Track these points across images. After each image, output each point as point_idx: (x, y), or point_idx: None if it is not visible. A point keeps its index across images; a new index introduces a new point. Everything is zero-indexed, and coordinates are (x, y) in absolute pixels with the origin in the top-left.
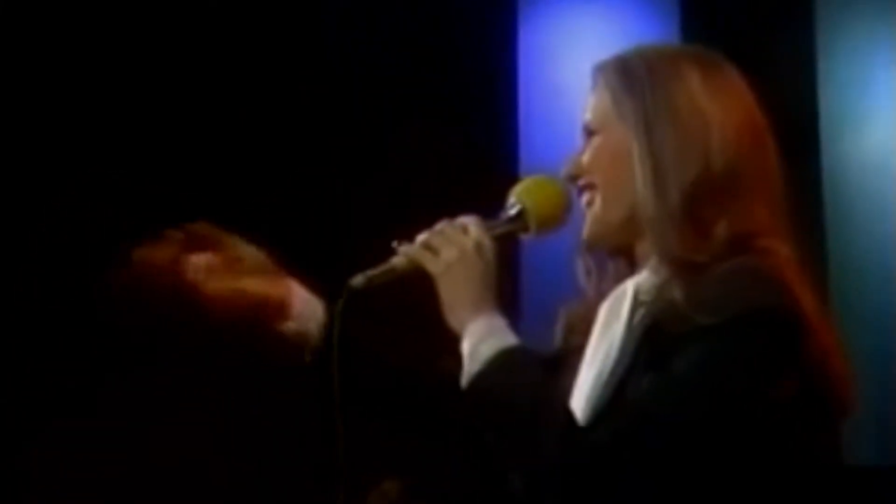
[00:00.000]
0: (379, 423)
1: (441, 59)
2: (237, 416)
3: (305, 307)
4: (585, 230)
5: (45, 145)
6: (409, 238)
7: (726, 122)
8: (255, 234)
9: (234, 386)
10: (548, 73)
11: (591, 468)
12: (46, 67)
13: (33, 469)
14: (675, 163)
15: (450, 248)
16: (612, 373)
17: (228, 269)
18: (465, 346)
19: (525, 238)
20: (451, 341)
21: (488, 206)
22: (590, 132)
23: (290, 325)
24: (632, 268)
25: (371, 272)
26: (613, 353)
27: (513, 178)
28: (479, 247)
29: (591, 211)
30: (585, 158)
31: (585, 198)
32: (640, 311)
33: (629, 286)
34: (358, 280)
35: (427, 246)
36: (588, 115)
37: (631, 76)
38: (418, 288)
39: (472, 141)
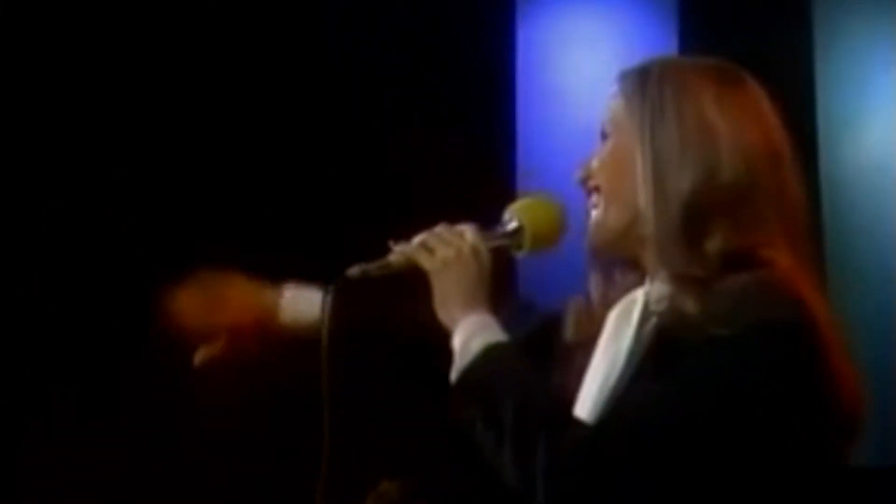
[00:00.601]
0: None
1: (439, 60)
2: (237, 416)
3: (298, 300)
4: (589, 235)
5: (45, 145)
6: (407, 239)
7: (737, 139)
8: (254, 233)
9: (235, 386)
10: (546, 75)
11: (581, 466)
12: (46, 67)
13: (33, 469)
14: (676, 170)
15: (446, 248)
16: (619, 380)
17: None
18: (456, 342)
19: (517, 255)
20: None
21: (486, 208)
22: (603, 136)
23: (285, 318)
24: (640, 277)
25: (367, 265)
26: (621, 360)
27: (510, 180)
28: (474, 250)
29: (595, 214)
30: (594, 161)
31: (591, 200)
32: (651, 321)
33: (640, 295)
34: (353, 271)
35: (423, 245)
36: (604, 118)
37: (645, 84)
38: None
39: (470, 142)
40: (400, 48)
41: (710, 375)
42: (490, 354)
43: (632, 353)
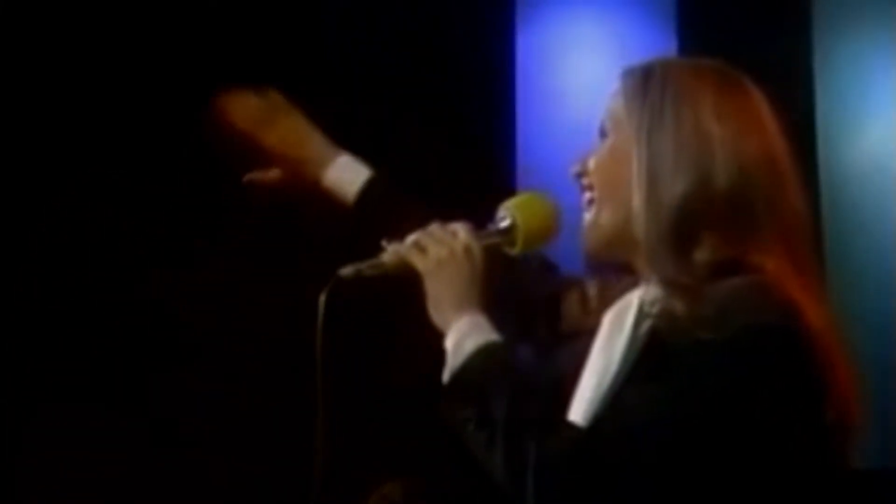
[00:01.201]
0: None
1: (439, 61)
2: (238, 417)
3: (345, 170)
4: (583, 235)
5: (45, 145)
6: (400, 238)
7: (734, 146)
8: (255, 233)
9: (235, 388)
10: (545, 76)
11: (570, 468)
12: (46, 67)
13: (33, 470)
14: (670, 176)
15: (439, 247)
16: (612, 383)
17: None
18: (449, 343)
19: (510, 252)
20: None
21: (485, 209)
22: (602, 134)
23: (328, 178)
24: (636, 280)
25: (360, 265)
26: (615, 363)
27: (510, 180)
28: (467, 249)
29: (589, 214)
30: (592, 160)
31: (586, 197)
32: (645, 324)
33: (635, 297)
34: (347, 270)
35: (416, 245)
36: (604, 116)
37: (646, 86)
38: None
39: (470, 143)
40: (400, 49)
41: (698, 379)
42: (482, 355)
43: (626, 356)
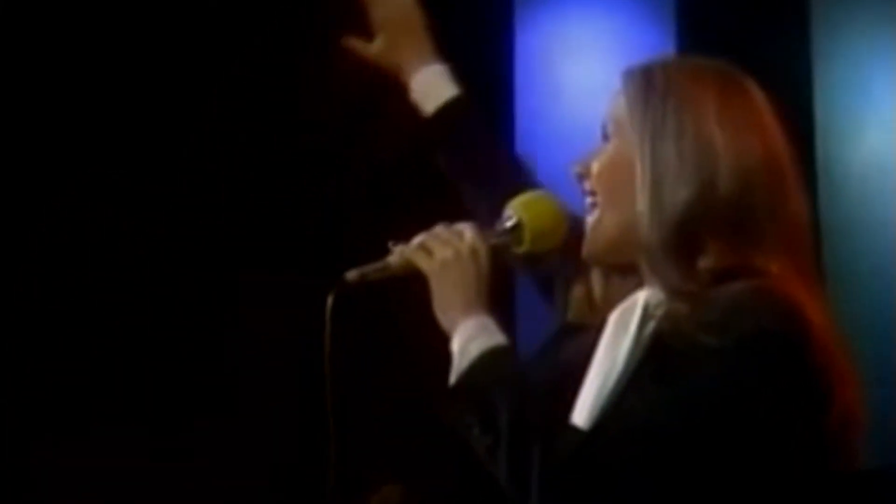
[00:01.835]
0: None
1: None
2: (240, 420)
3: (434, 79)
4: (586, 240)
5: (44, 145)
6: (406, 239)
7: (737, 154)
8: (254, 233)
9: (236, 390)
10: (544, 76)
11: (574, 473)
12: (46, 68)
13: (38, 473)
14: (673, 184)
15: (444, 249)
16: (616, 385)
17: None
18: (455, 346)
19: (517, 252)
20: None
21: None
22: (604, 137)
23: (416, 80)
24: (640, 280)
25: (365, 268)
26: (619, 364)
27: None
28: (473, 251)
29: (591, 220)
30: (595, 164)
31: (588, 201)
32: (650, 325)
33: (640, 298)
34: (352, 274)
35: (422, 246)
36: (606, 118)
37: (648, 88)
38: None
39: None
40: None
41: (701, 385)
42: (488, 359)
43: (629, 358)
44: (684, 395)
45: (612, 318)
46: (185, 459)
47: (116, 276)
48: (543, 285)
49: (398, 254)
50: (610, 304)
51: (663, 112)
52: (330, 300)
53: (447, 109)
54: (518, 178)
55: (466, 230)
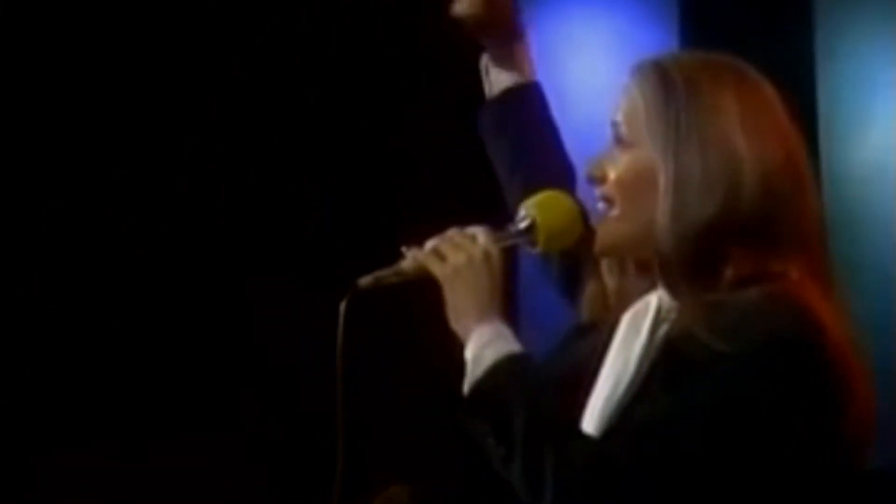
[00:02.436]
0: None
1: (447, 62)
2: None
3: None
4: (597, 240)
5: (44, 145)
6: (416, 241)
7: (761, 162)
8: (256, 233)
9: (237, 393)
10: (547, 76)
11: (589, 484)
12: (46, 68)
13: (36, 475)
14: (697, 194)
15: (458, 254)
16: (628, 389)
17: None
18: (469, 353)
19: (532, 252)
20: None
21: (492, 210)
22: (619, 139)
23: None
24: (654, 281)
25: (379, 273)
26: (630, 368)
27: None
28: (486, 255)
29: (605, 222)
30: (611, 170)
31: (600, 206)
32: (663, 328)
33: (653, 300)
34: (366, 280)
35: (435, 251)
36: (619, 119)
37: (668, 92)
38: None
39: (476, 146)
40: (409, 48)
41: (716, 393)
42: (502, 367)
43: (641, 362)
44: (698, 401)
45: (625, 320)
46: (186, 462)
47: (117, 277)
48: (564, 282)
49: (411, 259)
50: (624, 303)
51: (686, 117)
52: (343, 306)
53: (516, 90)
54: (564, 170)
55: (479, 234)
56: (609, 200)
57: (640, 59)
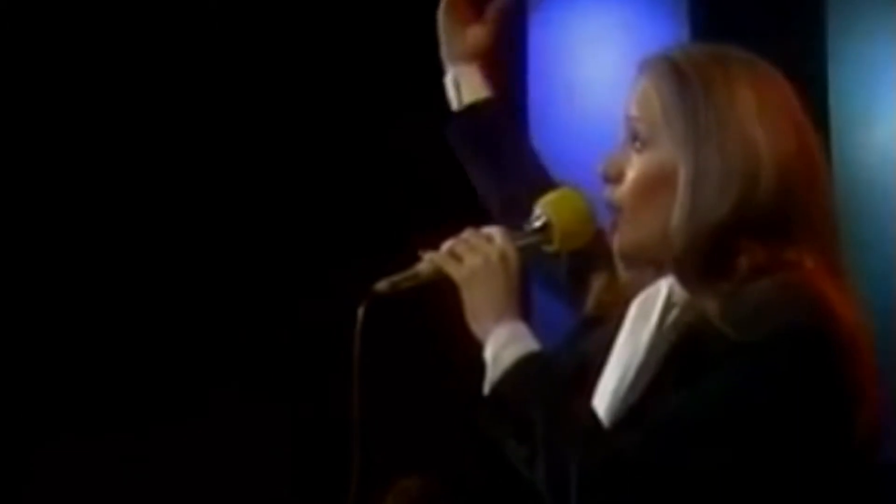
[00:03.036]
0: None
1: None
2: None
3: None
4: (617, 247)
5: (44, 145)
6: (434, 245)
7: (779, 153)
8: (257, 234)
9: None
10: (557, 70)
11: (611, 476)
12: (46, 68)
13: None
14: (716, 193)
15: (474, 256)
16: (637, 376)
17: None
18: (488, 354)
19: (548, 251)
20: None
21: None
22: (634, 135)
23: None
24: (663, 270)
25: (395, 277)
26: (640, 354)
27: None
28: (503, 256)
29: (622, 228)
30: (630, 173)
31: (615, 205)
32: (673, 313)
33: (663, 286)
34: (382, 285)
35: (452, 253)
36: (635, 114)
37: (684, 88)
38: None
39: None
40: (414, 45)
41: (734, 387)
42: (522, 367)
43: (651, 346)
44: (716, 395)
45: (635, 305)
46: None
47: (112, 275)
48: (571, 281)
49: (427, 261)
50: (634, 294)
51: (705, 113)
52: (361, 311)
53: (476, 106)
54: (538, 173)
55: (496, 234)
56: (617, 206)
57: (649, 54)
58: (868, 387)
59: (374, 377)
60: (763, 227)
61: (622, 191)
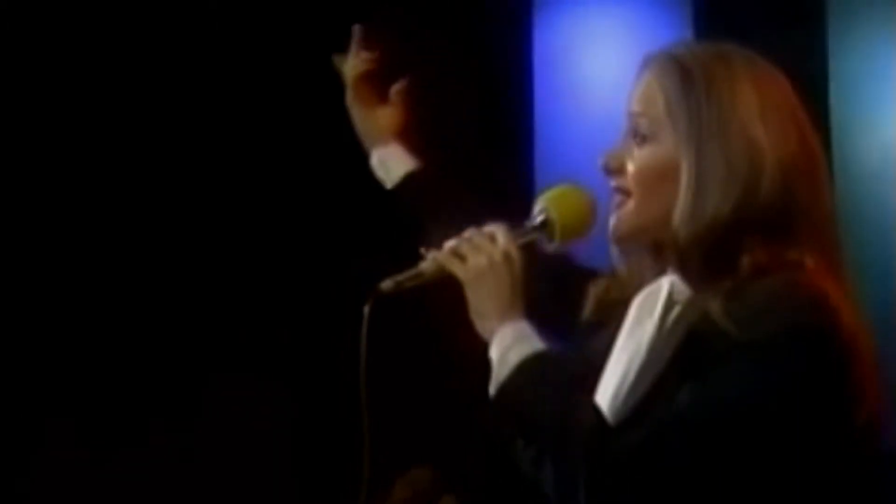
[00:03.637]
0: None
1: (458, 56)
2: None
3: (388, 158)
4: (612, 228)
5: (44, 144)
6: (437, 245)
7: (780, 150)
8: (258, 235)
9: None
10: (562, 70)
11: (618, 475)
12: (46, 68)
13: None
14: (719, 190)
15: (478, 255)
16: (640, 375)
17: None
18: (494, 353)
19: (549, 247)
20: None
21: (504, 207)
22: (637, 130)
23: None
24: (664, 266)
25: (399, 277)
26: (642, 352)
27: (528, 174)
28: (506, 255)
29: (622, 212)
30: (630, 165)
31: (617, 198)
32: (674, 311)
33: (664, 283)
34: (387, 284)
35: (455, 252)
36: (638, 109)
37: (687, 85)
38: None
39: (489, 138)
40: (420, 44)
41: (738, 384)
42: (528, 368)
43: (654, 343)
44: (721, 393)
45: (635, 305)
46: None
47: (113, 273)
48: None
49: (431, 260)
50: (632, 290)
51: (708, 110)
52: (366, 310)
53: (406, 182)
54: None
55: (498, 233)
56: (625, 192)
57: (653, 50)
58: (868, 385)
59: (379, 376)
60: (765, 225)
61: (624, 180)
